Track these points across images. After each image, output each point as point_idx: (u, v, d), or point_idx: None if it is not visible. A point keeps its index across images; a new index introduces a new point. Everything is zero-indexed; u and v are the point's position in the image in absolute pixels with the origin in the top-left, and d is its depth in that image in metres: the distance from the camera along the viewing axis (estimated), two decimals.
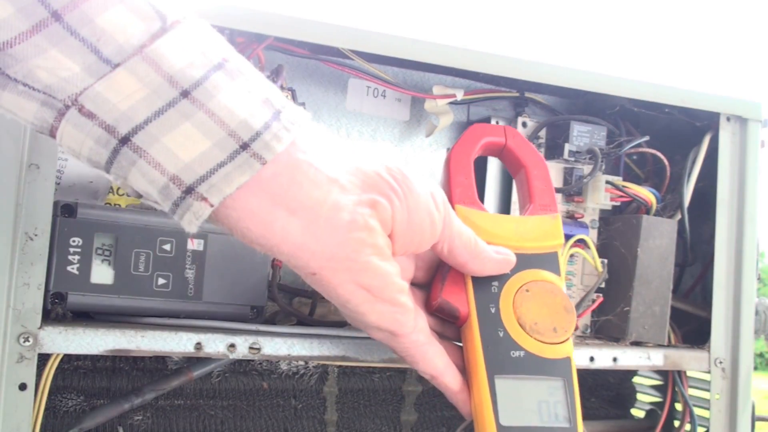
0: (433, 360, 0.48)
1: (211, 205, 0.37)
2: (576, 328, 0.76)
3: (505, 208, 0.76)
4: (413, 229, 0.44)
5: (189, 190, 0.36)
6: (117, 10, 0.35)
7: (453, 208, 0.51)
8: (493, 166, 0.77)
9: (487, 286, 0.51)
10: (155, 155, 0.36)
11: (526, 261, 0.52)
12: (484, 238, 0.51)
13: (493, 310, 0.50)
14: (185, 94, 0.36)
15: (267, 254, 0.42)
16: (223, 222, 0.39)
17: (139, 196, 0.39)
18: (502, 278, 0.51)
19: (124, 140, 0.35)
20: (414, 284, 0.52)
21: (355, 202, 0.41)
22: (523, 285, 0.51)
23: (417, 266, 0.52)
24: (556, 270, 0.53)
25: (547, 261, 0.53)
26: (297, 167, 0.39)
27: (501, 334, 0.50)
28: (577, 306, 0.71)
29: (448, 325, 0.53)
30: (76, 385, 0.63)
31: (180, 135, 0.35)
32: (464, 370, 0.51)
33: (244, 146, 0.36)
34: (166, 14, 0.36)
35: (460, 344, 0.52)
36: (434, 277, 0.52)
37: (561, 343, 0.50)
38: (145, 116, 0.35)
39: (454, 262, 0.50)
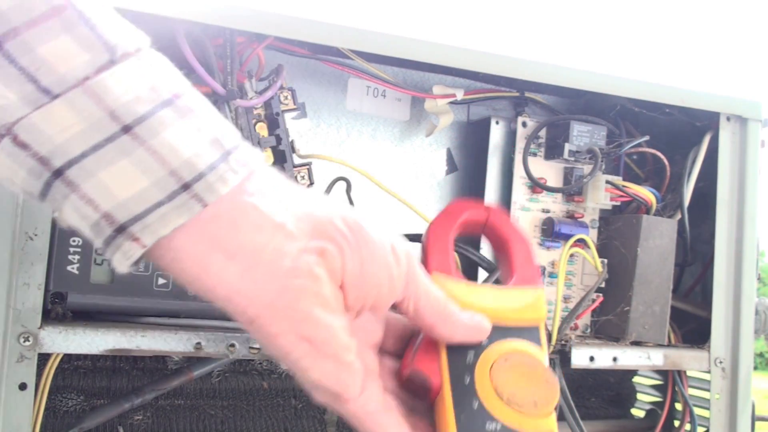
0: (387, 431, 0.44)
1: (144, 246, 0.35)
2: (576, 327, 0.76)
3: (505, 208, 0.76)
4: (368, 281, 0.41)
5: (121, 229, 0.35)
6: (61, 41, 0.34)
7: (429, 275, 0.48)
8: (493, 165, 0.77)
9: (462, 355, 0.47)
10: (88, 191, 0.34)
11: (504, 332, 0.49)
12: (460, 307, 0.47)
13: (467, 381, 0.47)
14: (126, 129, 0.34)
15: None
16: (157, 262, 0.37)
17: (73, 230, 0.37)
18: (478, 348, 0.48)
19: (58, 173, 0.34)
20: (385, 352, 0.49)
21: (300, 248, 0.38)
22: (501, 356, 0.47)
23: (387, 333, 0.49)
24: (537, 343, 0.50)
25: (528, 333, 0.50)
26: (240, 210, 0.37)
27: (475, 406, 0.46)
28: (577, 306, 0.71)
29: (418, 400, 0.49)
30: (76, 384, 0.63)
31: (117, 171, 0.34)
32: None
33: (185, 187, 0.35)
34: (116, 46, 0.35)
35: (431, 420, 0.48)
36: (406, 347, 0.49)
37: (542, 417, 0.46)
38: (81, 150, 0.34)
39: (421, 325, 0.46)
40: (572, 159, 0.74)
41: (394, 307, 0.45)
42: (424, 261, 0.53)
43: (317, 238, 0.39)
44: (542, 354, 0.49)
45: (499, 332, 0.49)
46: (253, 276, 0.37)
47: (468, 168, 0.82)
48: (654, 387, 0.86)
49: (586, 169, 0.76)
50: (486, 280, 0.68)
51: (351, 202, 0.67)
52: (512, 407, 0.46)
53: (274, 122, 0.64)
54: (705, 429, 0.74)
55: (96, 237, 0.36)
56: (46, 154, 0.34)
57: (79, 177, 0.34)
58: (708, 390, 0.73)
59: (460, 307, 0.47)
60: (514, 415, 0.46)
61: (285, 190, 0.40)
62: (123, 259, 0.35)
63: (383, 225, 0.43)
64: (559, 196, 0.77)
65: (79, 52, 0.34)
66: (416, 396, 0.48)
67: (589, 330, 0.76)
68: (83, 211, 0.35)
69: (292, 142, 0.65)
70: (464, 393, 0.46)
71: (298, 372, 0.41)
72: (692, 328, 0.79)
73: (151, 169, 0.35)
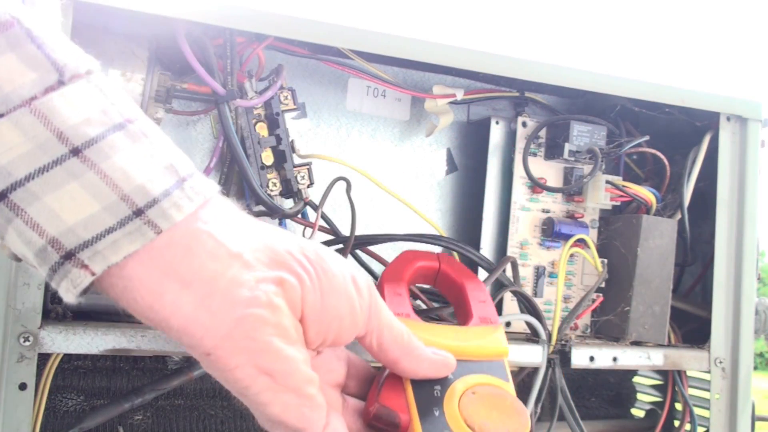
0: None
1: (93, 274, 0.33)
2: (576, 327, 0.76)
3: (505, 208, 0.76)
4: (329, 314, 0.40)
5: (69, 256, 0.33)
6: (6, 59, 0.32)
7: None
8: (493, 165, 0.77)
9: (428, 390, 0.47)
10: (34, 215, 0.33)
11: (469, 367, 0.49)
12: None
13: (437, 413, 0.46)
14: (76, 152, 0.33)
15: None
16: (107, 291, 0.35)
17: (18, 259, 0.35)
18: (445, 383, 0.47)
19: (1, 197, 0.32)
20: (348, 394, 0.48)
21: (258, 278, 0.37)
22: (469, 388, 0.47)
23: (350, 374, 0.48)
24: (503, 377, 0.50)
25: (493, 368, 0.50)
26: (195, 238, 0.35)
27: None
28: (577, 306, 0.71)
29: None
30: (76, 384, 0.63)
31: (65, 195, 0.32)
32: None
33: (138, 212, 0.33)
34: (65, 66, 0.34)
35: None
36: (370, 387, 0.48)
37: None
38: (27, 172, 0.32)
39: (385, 360, 0.45)
40: (572, 159, 0.74)
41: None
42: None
43: (275, 268, 0.38)
44: (509, 386, 0.49)
45: (464, 367, 0.48)
46: (209, 305, 0.36)
47: (468, 168, 0.82)
48: (654, 387, 0.86)
49: (586, 169, 0.76)
50: (486, 280, 0.68)
51: (351, 202, 0.67)
52: None
53: (274, 122, 0.64)
54: (705, 429, 0.74)
55: (41, 265, 0.34)
56: None
57: (23, 200, 0.33)
58: (708, 390, 0.73)
59: (424, 344, 0.47)
60: None
61: (241, 220, 0.39)
62: (71, 288, 0.34)
63: (341, 257, 0.42)
64: (559, 196, 0.77)
65: (24, 71, 0.33)
66: None
67: (589, 330, 0.76)
68: (28, 236, 0.33)
69: (292, 142, 0.65)
70: (435, 426, 0.46)
71: (257, 408, 0.39)
72: (692, 328, 0.79)
73: (102, 193, 0.33)
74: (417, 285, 0.64)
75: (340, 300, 0.40)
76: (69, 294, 0.34)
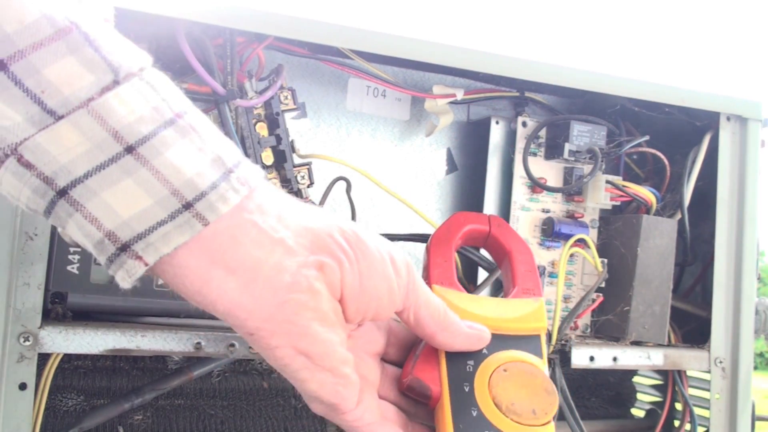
0: None
1: (146, 264, 0.36)
2: (576, 327, 0.76)
3: (505, 207, 0.76)
4: (367, 294, 0.42)
5: (124, 248, 0.36)
6: (66, 62, 0.34)
7: (430, 287, 0.49)
8: (493, 165, 0.77)
9: (461, 364, 0.48)
10: (92, 210, 0.35)
11: (505, 342, 0.50)
12: (461, 317, 0.48)
13: (467, 389, 0.47)
14: (130, 149, 0.35)
15: None
16: (159, 276, 0.38)
17: (76, 244, 0.38)
18: (479, 357, 0.48)
19: (62, 193, 0.35)
20: (387, 361, 0.50)
21: (300, 263, 0.39)
22: (501, 365, 0.48)
23: (390, 342, 0.50)
24: (538, 353, 0.50)
25: (529, 343, 0.50)
26: (240, 227, 0.38)
27: (474, 414, 0.46)
28: (577, 306, 0.71)
29: (420, 407, 0.49)
30: (76, 384, 0.63)
31: (120, 191, 0.35)
32: None
33: (187, 206, 0.36)
34: (120, 67, 0.36)
35: (433, 428, 0.49)
36: (408, 354, 0.50)
37: (541, 425, 0.47)
38: (85, 170, 0.35)
39: (422, 334, 0.47)
40: (572, 159, 0.74)
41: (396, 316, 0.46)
42: (426, 273, 0.53)
43: (316, 252, 0.40)
44: (542, 364, 0.49)
45: (500, 342, 0.49)
46: (252, 290, 0.38)
47: (468, 168, 0.82)
48: (654, 387, 0.86)
49: (586, 169, 0.76)
50: (486, 280, 0.68)
51: (351, 202, 0.67)
52: (510, 416, 0.46)
53: (274, 122, 0.64)
54: (705, 429, 0.74)
55: (100, 254, 0.36)
56: (50, 174, 0.35)
57: (83, 197, 0.35)
58: (708, 390, 0.73)
59: (461, 317, 0.48)
60: (512, 424, 0.46)
61: (284, 206, 0.40)
62: (126, 276, 0.36)
63: (382, 236, 0.44)
64: (559, 196, 0.77)
65: (83, 74, 0.35)
66: (417, 403, 0.49)
67: (589, 330, 0.76)
68: (87, 230, 0.36)
69: (292, 141, 0.65)
70: (463, 401, 0.47)
71: (296, 383, 0.42)
72: (692, 328, 0.79)
73: (154, 188, 0.35)
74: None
75: (378, 281, 0.42)
76: (125, 282, 0.37)
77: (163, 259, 0.36)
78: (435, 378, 0.48)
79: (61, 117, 0.34)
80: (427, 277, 0.53)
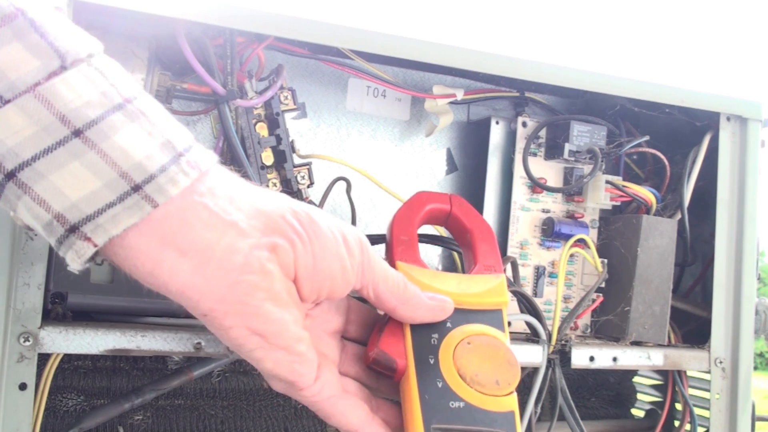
0: (346, 414, 0.46)
1: (95, 245, 0.36)
2: (576, 327, 0.76)
3: (505, 208, 0.76)
4: (321, 273, 0.42)
5: (73, 229, 0.36)
6: (12, 48, 0.35)
7: (393, 265, 0.50)
8: (493, 165, 0.77)
9: (426, 338, 0.49)
10: (40, 192, 0.36)
11: (468, 316, 0.50)
12: (423, 291, 0.49)
13: (432, 361, 0.48)
14: (77, 133, 0.36)
15: None
16: (110, 258, 0.38)
17: (30, 229, 0.39)
18: (443, 330, 0.49)
19: (10, 176, 0.35)
20: (348, 339, 0.50)
21: (252, 245, 0.40)
22: (465, 338, 0.49)
23: (350, 320, 0.50)
24: (500, 327, 0.51)
25: (491, 317, 0.51)
26: (191, 209, 0.38)
27: (440, 385, 0.47)
28: (577, 306, 0.71)
29: (384, 382, 0.50)
30: (76, 385, 0.63)
31: (68, 174, 0.35)
32: (400, 429, 0.48)
33: (136, 188, 0.36)
34: (67, 52, 0.36)
35: (398, 402, 0.50)
36: (371, 332, 0.50)
37: (504, 396, 0.48)
38: (32, 153, 0.35)
39: (384, 308, 0.48)
40: (572, 159, 0.74)
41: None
42: (389, 252, 0.54)
43: (269, 234, 0.40)
44: (504, 337, 0.51)
45: (463, 315, 0.50)
46: (204, 272, 0.39)
47: (468, 168, 0.82)
48: (654, 387, 0.86)
49: (586, 169, 0.76)
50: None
51: (351, 202, 0.67)
52: (475, 387, 0.47)
53: (274, 122, 0.64)
54: (705, 429, 0.74)
55: (49, 236, 0.37)
56: None
57: (30, 179, 0.35)
58: (708, 390, 0.73)
59: (423, 291, 0.49)
60: (476, 394, 0.47)
61: (237, 189, 0.41)
62: (76, 257, 0.37)
63: (333, 216, 0.45)
64: (559, 196, 0.77)
65: (29, 59, 0.35)
66: (380, 378, 0.50)
67: (589, 330, 0.76)
68: (36, 212, 0.36)
69: (292, 142, 0.65)
70: (429, 373, 0.48)
71: (253, 362, 0.43)
72: (692, 328, 0.79)
73: (103, 171, 0.36)
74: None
75: (331, 260, 0.43)
76: (75, 263, 0.37)
77: (113, 241, 0.37)
78: (400, 351, 0.48)
79: (7, 101, 0.35)
80: (391, 255, 0.53)
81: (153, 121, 0.38)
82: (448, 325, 0.50)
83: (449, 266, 0.80)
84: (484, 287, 0.53)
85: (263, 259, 0.40)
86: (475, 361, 0.48)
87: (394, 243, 0.54)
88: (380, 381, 0.50)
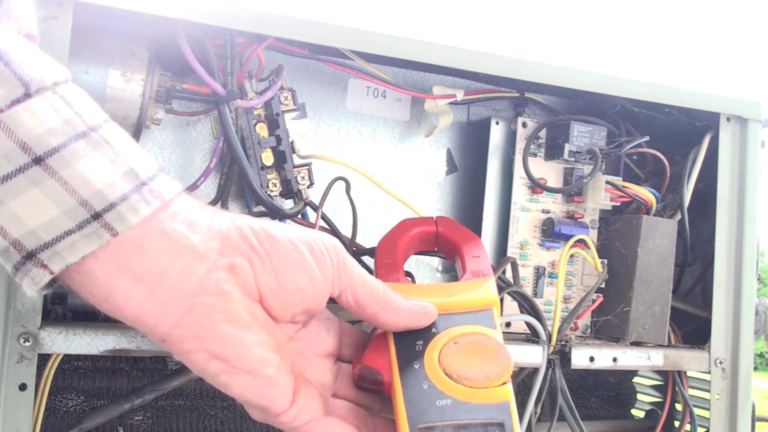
0: None
1: (51, 272, 0.36)
2: (576, 327, 0.76)
3: (505, 208, 0.76)
4: (287, 289, 0.42)
5: (29, 256, 0.36)
6: None
7: None
8: (493, 165, 0.77)
9: (411, 345, 0.48)
10: None
11: (455, 319, 0.50)
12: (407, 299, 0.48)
13: (416, 366, 0.47)
14: (38, 161, 0.35)
15: None
16: (67, 285, 0.38)
17: None
18: (428, 336, 0.48)
19: None
20: (344, 361, 0.49)
21: (209, 267, 0.39)
22: (451, 340, 0.48)
23: (344, 342, 0.49)
24: (490, 325, 0.50)
25: (481, 317, 0.50)
26: (148, 236, 0.38)
27: (425, 387, 0.46)
28: (577, 306, 0.71)
29: (381, 401, 0.49)
30: (76, 385, 0.63)
31: (27, 201, 0.35)
32: None
33: (96, 216, 0.36)
34: (31, 80, 0.36)
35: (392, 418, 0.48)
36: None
37: (496, 387, 0.46)
38: None
39: (364, 316, 0.47)
40: (572, 159, 0.74)
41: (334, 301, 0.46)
42: (375, 271, 0.54)
43: (226, 254, 0.40)
44: (495, 333, 0.49)
45: (449, 320, 0.49)
46: (158, 297, 0.38)
47: (468, 168, 0.82)
48: (654, 387, 0.86)
49: (586, 169, 0.76)
50: None
51: (351, 203, 0.67)
52: (463, 383, 0.46)
53: (274, 123, 0.64)
54: (705, 429, 0.74)
55: (6, 262, 0.37)
56: None
57: None
58: (708, 390, 0.73)
59: (407, 299, 0.48)
60: (465, 390, 0.46)
61: (197, 214, 0.40)
62: (31, 284, 0.36)
63: (298, 227, 0.44)
64: (559, 196, 0.77)
65: None
66: (377, 397, 0.49)
67: (589, 330, 0.76)
68: None
69: (292, 142, 0.65)
70: (414, 377, 0.47)
71: (221, 389, 0.42)
72: (692, 329, 0.79)
73: (62, 199, 0.36)
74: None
75: (295, 273, 0.42)
76: (30, 290, 0.37)
77: (69, 268, 0.36)
78: (385, 364, 0.47)
79: None
80: (376, 276, 0.53)
81: (117, 150, 0.38)
82: (434, 330, 0.49)
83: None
84: (471, 290, 0.52)
85: (220, 281, 0.39)
86: (462, 358, 0.47)
87: (377, 266, 0.54)
88: (375, 400, 0.49)
